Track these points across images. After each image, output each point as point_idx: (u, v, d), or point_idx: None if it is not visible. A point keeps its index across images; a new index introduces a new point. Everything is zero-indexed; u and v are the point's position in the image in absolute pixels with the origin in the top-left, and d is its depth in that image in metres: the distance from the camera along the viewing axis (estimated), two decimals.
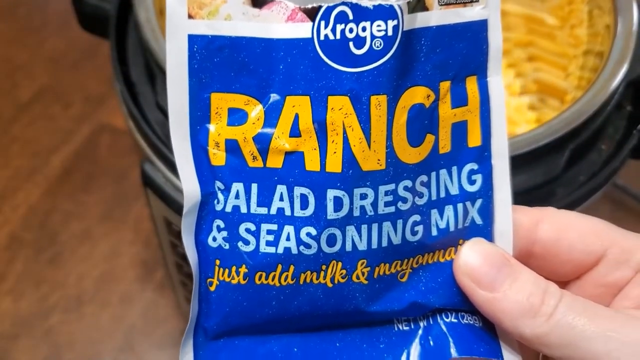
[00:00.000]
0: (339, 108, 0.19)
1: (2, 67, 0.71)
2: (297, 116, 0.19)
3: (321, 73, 0.18)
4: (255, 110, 0.19)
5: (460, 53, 0.20)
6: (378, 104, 0.19)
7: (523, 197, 0.31)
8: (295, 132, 0.19)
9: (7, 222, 0.60)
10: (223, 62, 0.19)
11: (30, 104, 0.67)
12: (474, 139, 0.20)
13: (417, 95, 0.19)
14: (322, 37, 0.18)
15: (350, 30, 0.18)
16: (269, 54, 0.19)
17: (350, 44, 0.18)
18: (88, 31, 0.42)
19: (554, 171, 0.32)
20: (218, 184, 0.19)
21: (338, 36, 0.18)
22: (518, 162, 0.31)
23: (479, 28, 0.20)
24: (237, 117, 0.19)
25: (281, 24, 0.19)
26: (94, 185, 0.62)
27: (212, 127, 0.19)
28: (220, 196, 0.19)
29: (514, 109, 0.44)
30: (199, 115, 0.19)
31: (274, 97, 0.19)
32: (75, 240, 0.58)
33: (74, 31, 0.44)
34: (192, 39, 0.19)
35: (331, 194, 0.19)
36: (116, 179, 0.62)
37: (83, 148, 0.64)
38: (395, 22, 0.18)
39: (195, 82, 0.19)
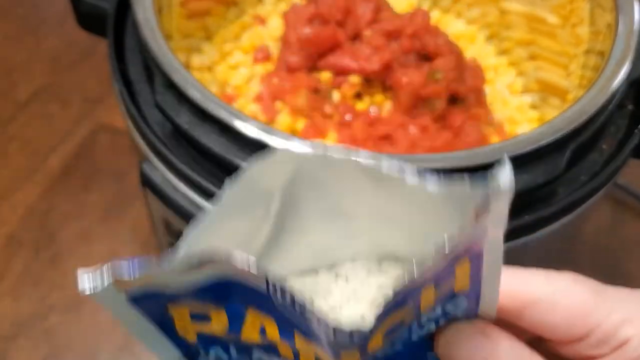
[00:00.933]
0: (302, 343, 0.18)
1: (0, 66, 0.70)
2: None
3: None
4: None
5: None
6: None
7: (524, 197, 0.31)
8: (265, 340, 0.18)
9: (5, 222, 0.59)
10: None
11: (28, 103, 0.67)
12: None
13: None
14: None
15: None
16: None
17: None
18: (86, 30, 0.41)
19: (555, 171, 0.32)
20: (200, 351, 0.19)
21: None
22: (519, 162, 0.31)
23: None
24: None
25: None
26: (93, 185, 0.62)
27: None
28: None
29: (515, 108, 0.44)
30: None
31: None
32: (74, 240, 0.58)
33: (72, 30, 0.44)
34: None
35: None
36: (115, 179, 0.62)
37: (82, 148, 0.64)
38: None
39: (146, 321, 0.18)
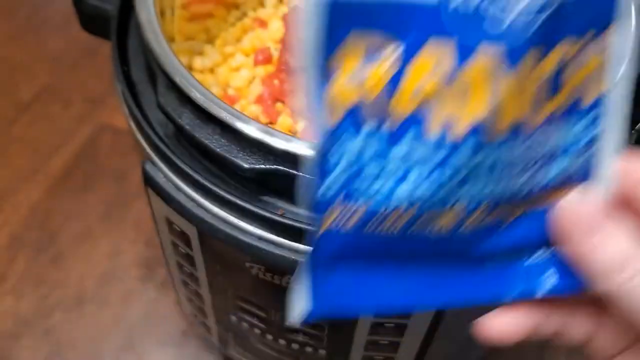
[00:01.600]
0: (483, 62, 0.18)
1: (3, 67, 0.71)
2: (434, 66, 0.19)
3: (470, 23, 0.18)
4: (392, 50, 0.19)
5: (601, 10, 0.20)
6: (528, 58, 0.19)
7: None
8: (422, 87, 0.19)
9: (7, 222, 0.60)
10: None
11: (30, 104, 0.68)
12: (590, 98, 0.21)
13: (556, 56, 0.20)
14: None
15: None
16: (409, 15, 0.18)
17: None
18: (89, 32, 0.42)
19: None
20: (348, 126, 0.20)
21: None
22: None
23: None
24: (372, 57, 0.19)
25: None
26: (95, 184, 0.62)
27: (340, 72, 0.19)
28: (349, 135, 0.20)
29: None
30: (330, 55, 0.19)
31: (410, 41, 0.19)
32: (76, 239, 0.59)
33: (74, 30, 0.44)
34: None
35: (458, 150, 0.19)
36: (117, 179, 0.62)
37: (84, 148, 0.64)
38: None
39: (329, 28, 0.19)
